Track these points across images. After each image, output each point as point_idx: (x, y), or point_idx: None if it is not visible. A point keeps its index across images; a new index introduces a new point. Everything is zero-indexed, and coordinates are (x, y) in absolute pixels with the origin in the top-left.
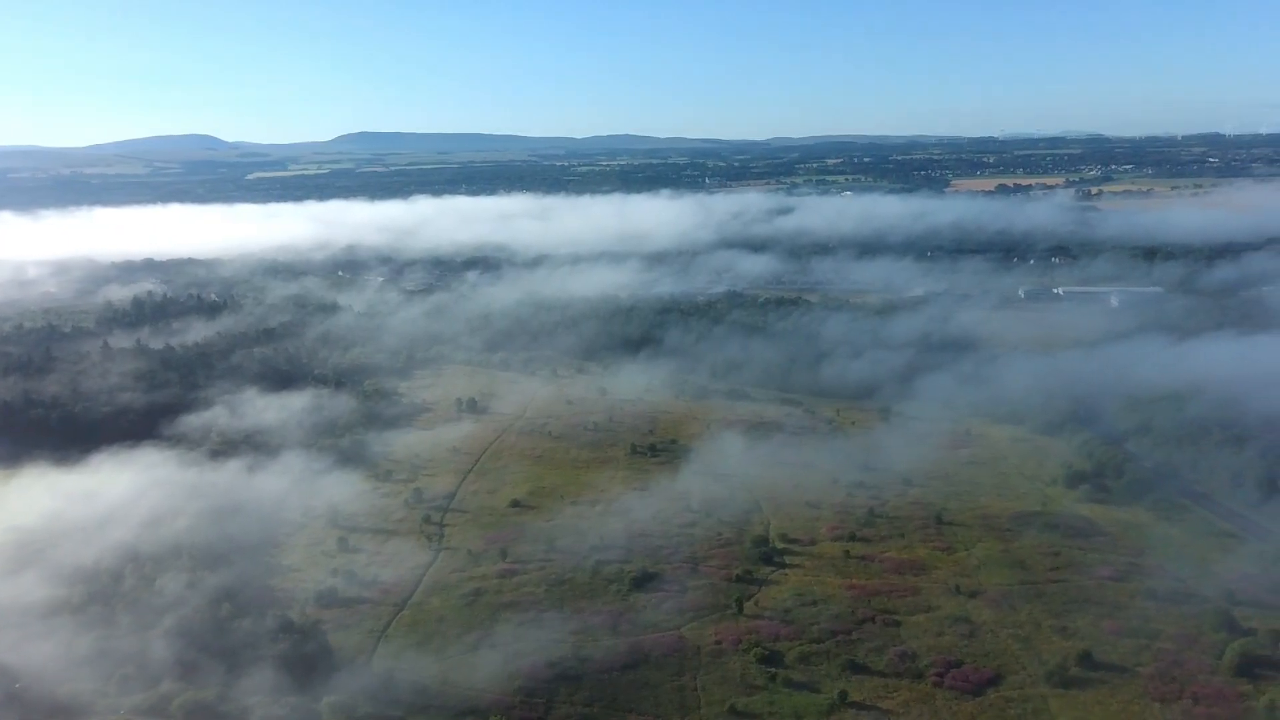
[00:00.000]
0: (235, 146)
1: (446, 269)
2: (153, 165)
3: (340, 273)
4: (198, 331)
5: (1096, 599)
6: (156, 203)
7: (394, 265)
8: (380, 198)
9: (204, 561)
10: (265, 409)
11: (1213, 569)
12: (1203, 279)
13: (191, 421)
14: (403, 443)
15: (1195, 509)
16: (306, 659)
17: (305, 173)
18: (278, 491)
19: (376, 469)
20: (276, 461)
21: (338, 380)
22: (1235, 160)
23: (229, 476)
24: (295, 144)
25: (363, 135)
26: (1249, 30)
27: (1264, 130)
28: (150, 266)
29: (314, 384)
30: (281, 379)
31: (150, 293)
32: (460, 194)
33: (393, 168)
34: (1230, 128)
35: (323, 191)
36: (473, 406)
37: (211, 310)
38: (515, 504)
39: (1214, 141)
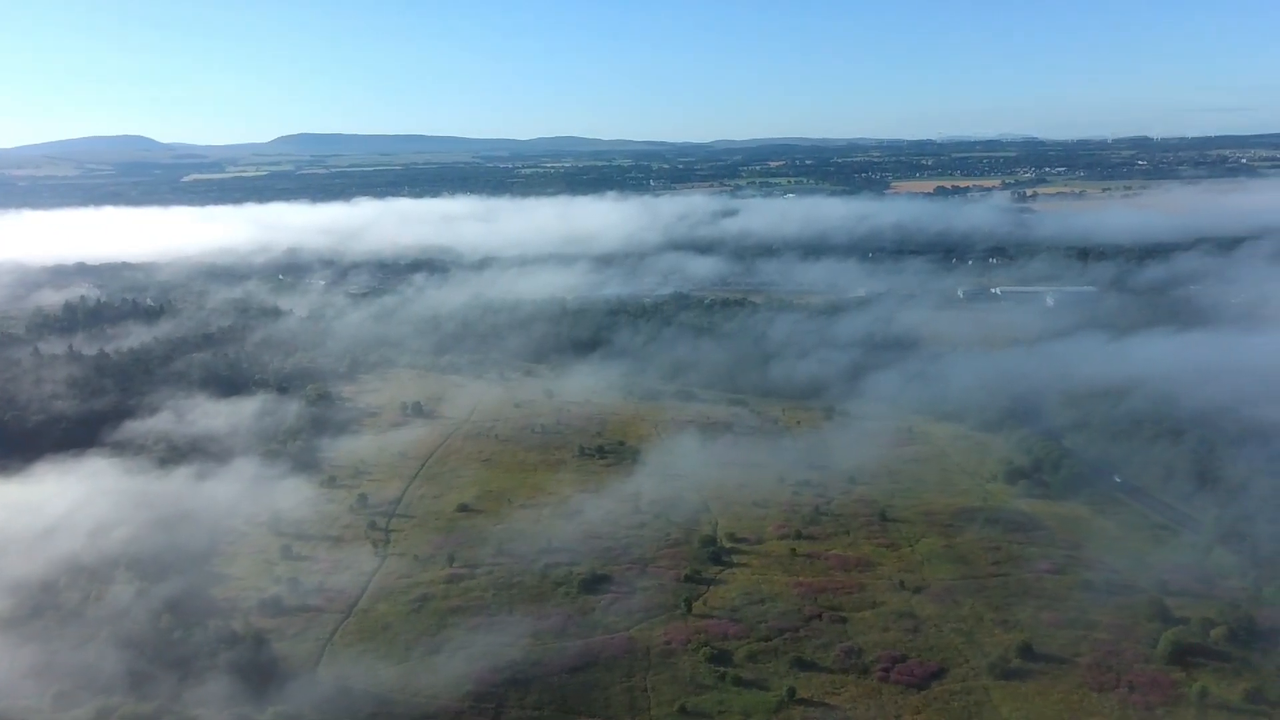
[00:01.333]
0: (170, 148)
1: (391, 272)
2: (84, 167)
3: (281, 276)
4: (135, 337)
5: (1036, 592)
6: (89, 205)
7: (338, 268)
8: (322, 200)
9: (145, 572)
10: (208, 416)
11: (1146, 560)
12: (1134, 278)
13: (131, 429)
14: (348, 448)
15: (1129, 502)
16: (251, 669)
17: (244, 174)
18: (220, 499)
19: (321, 475)
20: (219, 469)
21: (282, 386)
22: (1163, 163)
23: (170, 485)
24: (233, 145)
25: (303, 137)
26: (1176, 38)
27: (1190, 134)
28: (83, 271)
29: (258, 390)
30: (224, 385)
31: (83, 298)
32: (403, 196)
33: (334, 169)
34: (1157, 131)
35: (262, 194)
36: (419, 410)
37: (149, 315)
38: (463, 508)
39: (1142, 145)
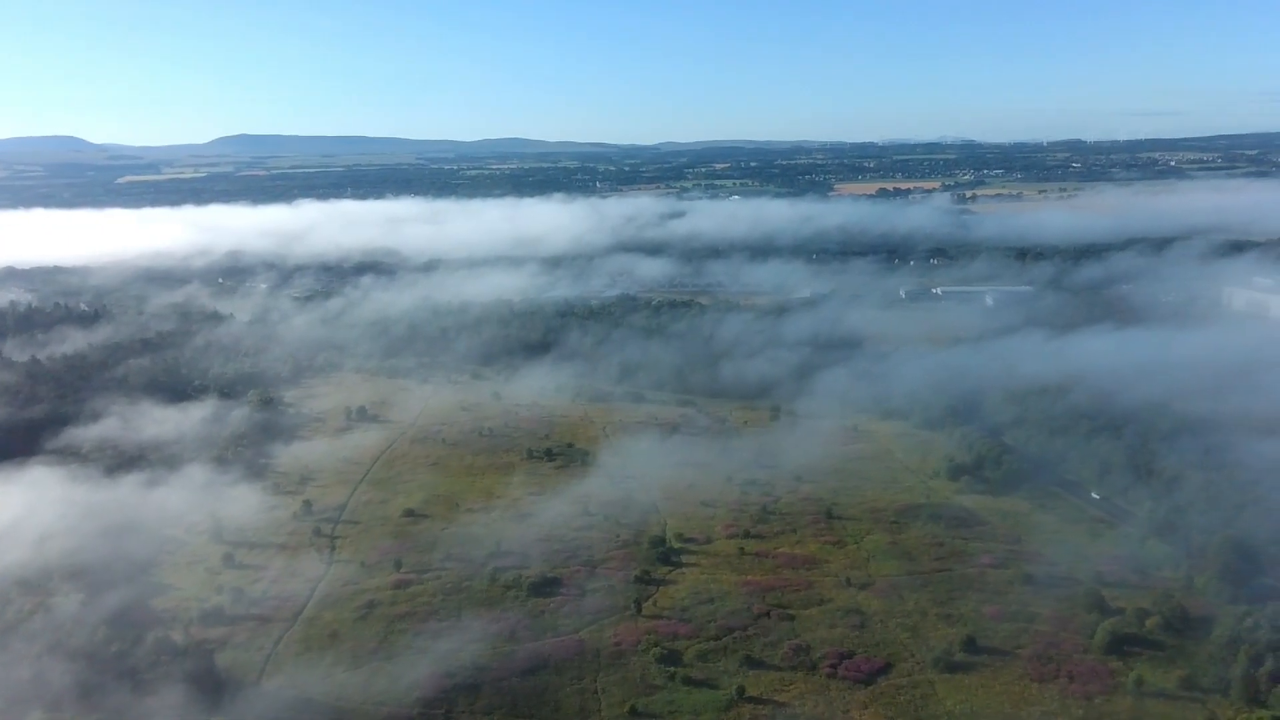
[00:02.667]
0: (103, 149)
1: (336, 275)
2: (12, 168)
3: (221, 280)
4: (71, 343)
5: (978, 586)
6: (17, 208)
7: (280, 271)
8: (263, 202)
9: (87, 583)
10: (148, 423)
11: (1084, 553)
12: (1071, 278)
13: (71, 437)
14: (291, 454)
15: (1067, 497)
16: (193, 681)
17: (181, 176)
18: (161, 508)
19: (265, 482)
20: (160, 477)
21: (225, 391)
22: (1096, 165)
23: (110, 493)
24: (169, 146)
25: (242, 138)
26: (1108, 44)
27: (1121, 138)
28: (12, 275)
29: (200, 396)
30: (166, 391)
31: (14, 303)
32: (346, 198)
33: (274, 171)
34: (1090, 135)
35: (200, 196)
36: (364, 415)
37: (84, 320)
38: (409, 513)
39: (1076, 148)
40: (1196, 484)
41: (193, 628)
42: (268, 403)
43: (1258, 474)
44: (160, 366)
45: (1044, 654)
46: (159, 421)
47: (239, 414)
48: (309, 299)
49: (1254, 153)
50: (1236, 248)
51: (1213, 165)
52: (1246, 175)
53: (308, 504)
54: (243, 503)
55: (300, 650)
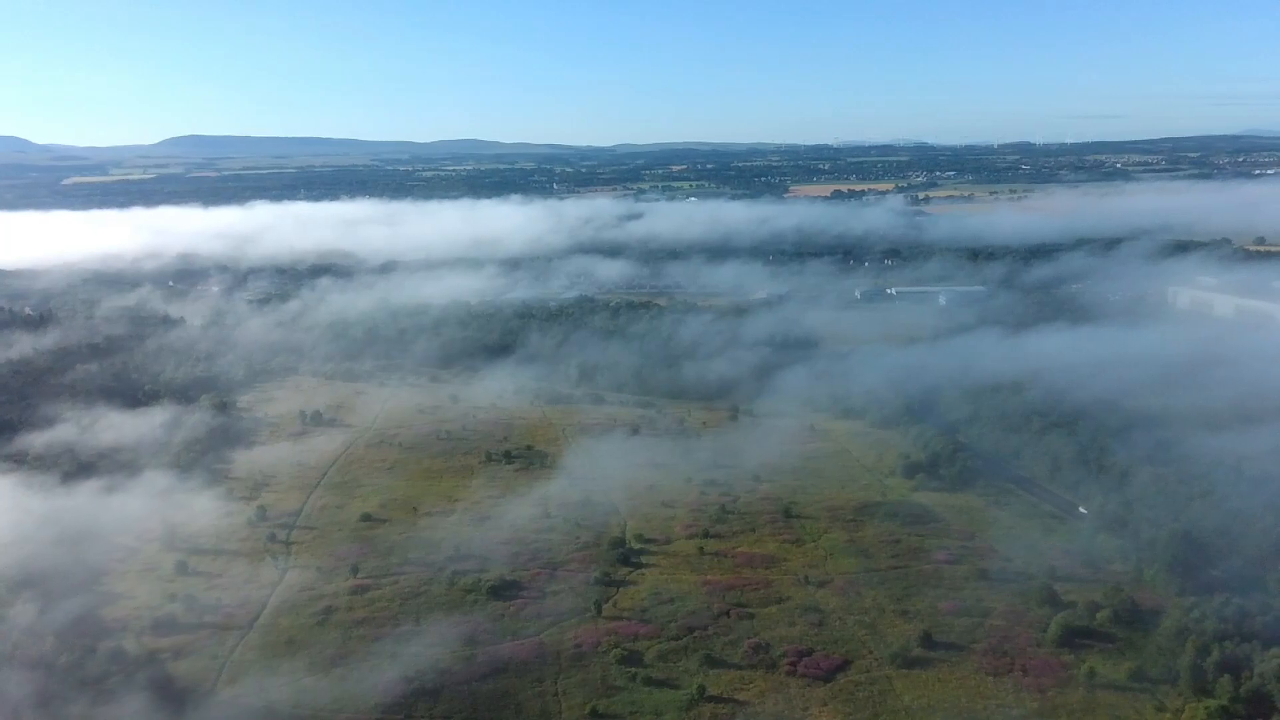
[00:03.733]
0: (48, 149)
1: (290, 277)
2: None
3: (171, 283)
4: (17, 348)
5: (934, 582)
6: None
7: (234, 274)
8: (214, 204)
9: (29, 593)
10: (99, 429)
11: (1037, 548)
12: (1022, 278)
13: (16, 444)
14: (246, 459)
15: (1020, 492)
16: (145, 691)
17: (130, 178)
18: (111, 515)
19: (218, 488)
20: (110, 483)
21: (176, 396)
22: (1045, 167)
23: (58, 501)
24: (117, 147)
25: (192, 139)
26: (1055, 48)
27: (1069, 140)
28: None
29: (152, 401)
30: (117, 396)
31: None
32: (300, 199)
33: (226, 172)
34: (1039, 137)
35: (150, 197)
36: (320, 419)
37: (30, 325)
38: (366, 518)
39: (1025, 150)
40: (1146, 479)
41: (145, 637)
42: (222, 407)
43: (1204, 468)
44: (111, 371)
45: (999, 648)
46: (110, 428)
47: (192, 419)
48: (263, 302)
49: (1195, 155)
50: (1181, 248)
51: (1157, 167)
52: (1189, 177)
53: (263, 510)
54: (196, 509)
55: (257, 658)
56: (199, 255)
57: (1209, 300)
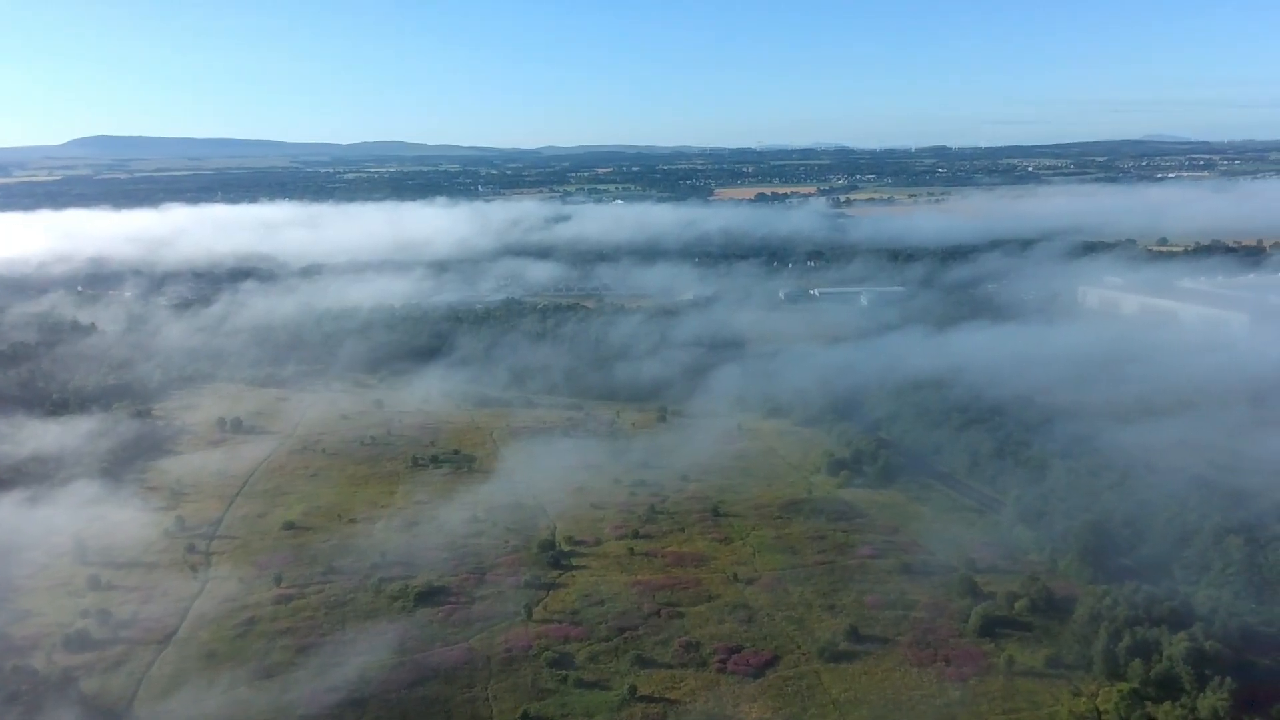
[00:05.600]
0: None
1: (209, 281)
2: None
3: (81, 289)
4: None
5: (859, 577)
6: None
7: (149, 279)
8: (126, 206)
9: None
10: (2, 440)
11: (957, 541)
12: (941, 278)
13: None
14: (161, 469)
15: (941, 487)
16: (55, 710)
17: (35, 179)
18: (16, 530)
19: (132, 499)
20: (16, 497)
21: (87, 405)
22: (961, 171)
23: None
24: (21, 148)
25: (101, 139)
26: (968, 54)
27: (983, 144)
28: None
29: (60, 410)
30: (22, 406)
31: None
32: (218, 202)
33: (138, 174)
34: (955, 141)
35: (57, 200)
36: (239, 426)
37: None
38: (290, 526)
39: (942, 154)
40: (1060, 471)
41: (56, 654)
42: (136, 416)
43: (1115, 460)
44: (18, 380)
45: (922, 640)
46: (17, 439)
47: (104, 428)
48: (180, 307)
49: (1102, 159)
50: (1090, 249)
51: (1066, 171)
52: (1096, 180)
53: (180, 520)
54: (110, 521)
55: (175, 672)
56: (111, 259)
57: (1116, 299)
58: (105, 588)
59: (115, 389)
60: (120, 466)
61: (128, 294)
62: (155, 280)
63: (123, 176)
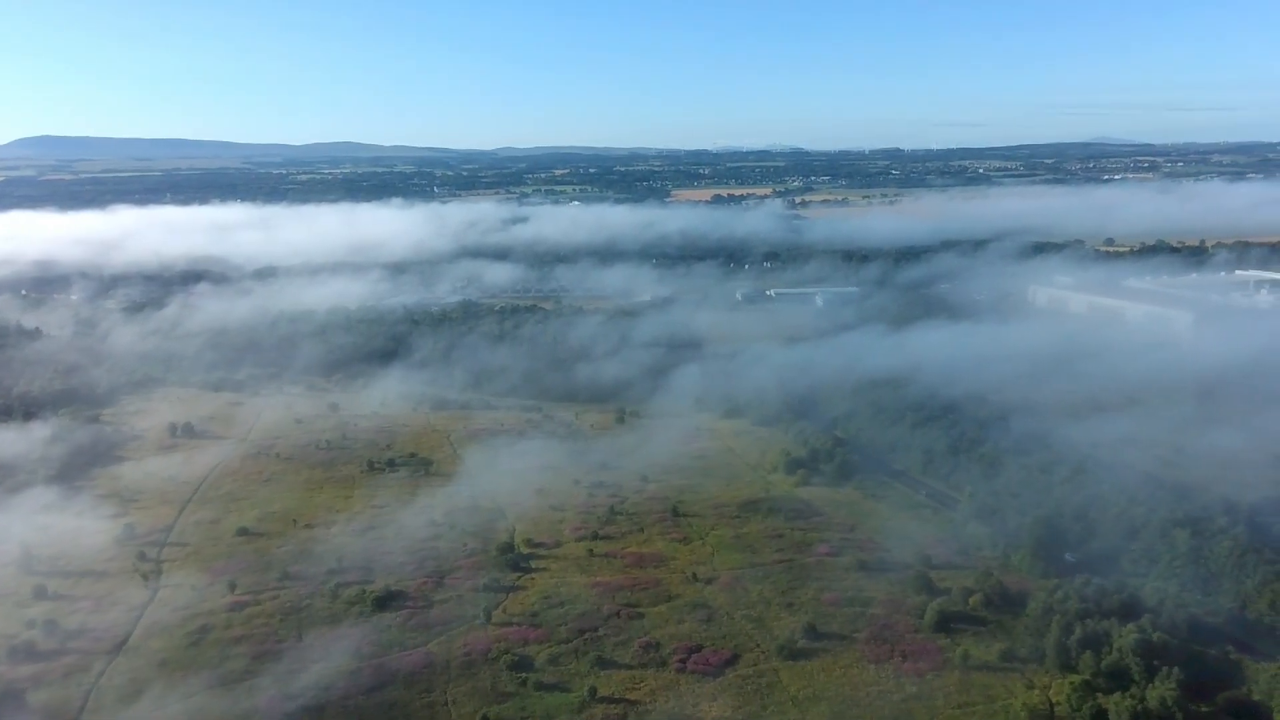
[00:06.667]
0: None
1: (160, 284)
2: None
3: (25, 292)
4: None
5: (817, 575)
6: None
7: (97, 282)
8: (72, 208)
9: None
10: None
11: (913, 538)
12: (894, 278)
13: None
14: (111, 475)
15: (897, 485)
16: None
17: None
18: None
19: (80, 506)
20: None
21: (32, 410)
22: (914, 172)
23: None
24: None
25: (44, 139)
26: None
27: (935, 146)
28: None
29: (3, 416)
30: None
31: None
32: (168, 204)
33: (84, 175)
34: (908, 144)
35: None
36: (191, 432)
37: None
38: (243, 532)
39: (895, 156)
40: (1013, 468)
41: (0, 666)
42: (85, 422)
43: (1065, 456)
44: None
45: (879, 636)
46: None
47: (52, 435)
48: (130, 310)
49: (1050, 161)
50: (1039, 249)
51: (1016, 173)
52: (1045, 182)
53: (130, 527)
54: (56, 530)
55: (126, 683)
56: (57, 262)
57: (1065, 298)
58: (53, 597)
59: (63, 394)
60: (68, 474)
61: (74, 297)
62: (104, 283)
63: (68, 178)
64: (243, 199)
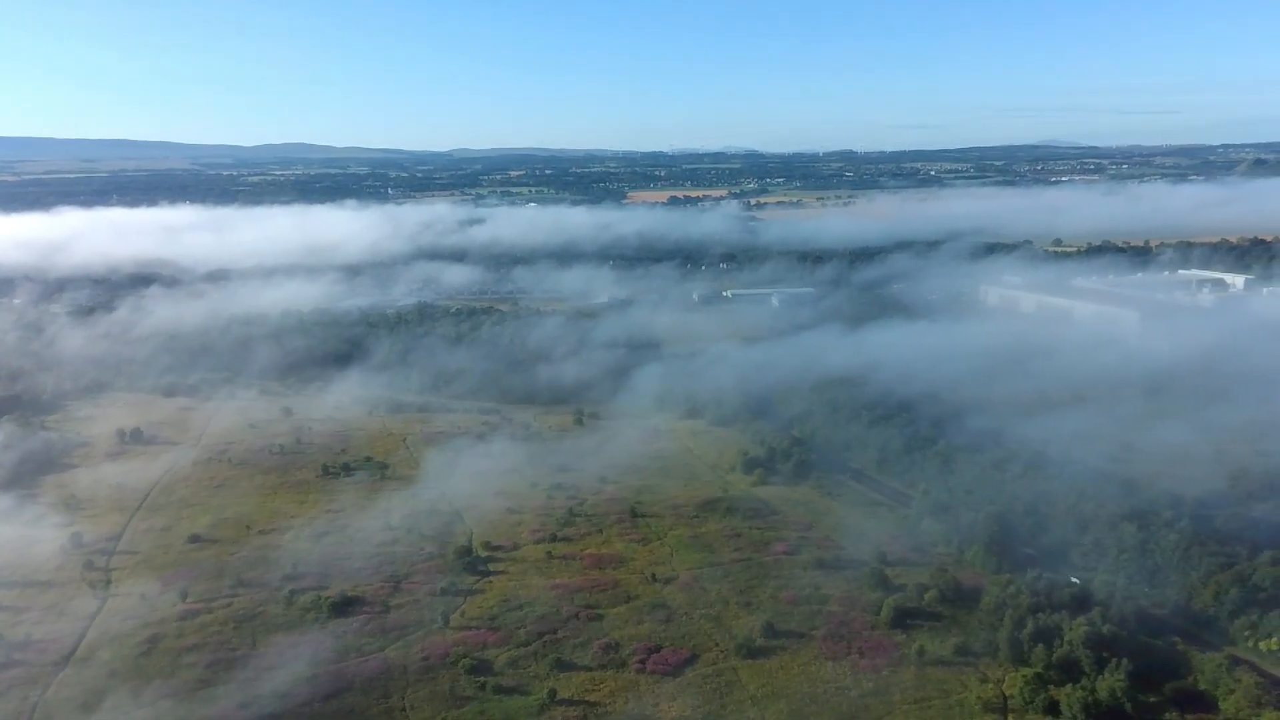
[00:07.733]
0: None
1: (107, 288)
2: None
3: None
4: None
5: (774, 573)
6: None
7: (43, 285)
8: (15, 210)
9: None
10: None
11: (869, 535)
12: (849, 279)
13: None
14: (55, 483)
15: (853, 483)
16: None
17: None
18: None
19: (23, 515)
20: None
21: None
22: (867, 174)
23: None
24: None
25: None
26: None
27: (888, 149)
28: None
29: None
30: None
31: None
32: (114, 205)
33: (26, 177)
34: (861, 146)
35: None
36: (139, 437)
37: None
38: (195, 539)
39: (849, 158)
40: (966, 465)
41: None
42: (31, 428)
43: (1017, 452)
44: None
45: (836, 633)
46: None
47: None
48: (78, 314)
49: (1000, 163)
50: (990, 249)
51: (967, 175)
52: (995, 184)
53: (76, 535)
54: (0, 539)
55: (75, 695)
56: (0, 265)
57: (1015, 298)
58: None
59: (8, 401)
60: (14, 482)
61: (19, 301)
62: (49, 287)
63: (10, 179)
64: (192, 201)
